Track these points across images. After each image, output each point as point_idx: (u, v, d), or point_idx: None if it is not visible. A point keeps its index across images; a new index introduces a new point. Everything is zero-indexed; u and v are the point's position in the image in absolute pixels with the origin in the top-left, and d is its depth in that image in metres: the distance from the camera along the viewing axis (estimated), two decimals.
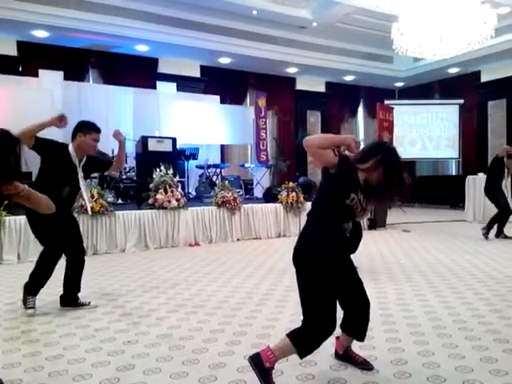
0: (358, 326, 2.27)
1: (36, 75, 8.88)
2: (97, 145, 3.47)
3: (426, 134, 13.08)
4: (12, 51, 9.06)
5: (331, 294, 2.07)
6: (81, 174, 3.42)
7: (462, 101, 12.71)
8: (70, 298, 3.50)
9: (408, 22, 7.73)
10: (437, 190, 12.76)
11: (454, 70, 12.17)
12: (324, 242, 2.05)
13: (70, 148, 3.38)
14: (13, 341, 2.79)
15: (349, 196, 2.04)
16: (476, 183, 8.92)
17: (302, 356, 2.09)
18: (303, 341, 2.06)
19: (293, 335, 2.07)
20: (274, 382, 2.05)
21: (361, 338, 2.28)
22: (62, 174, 3.34)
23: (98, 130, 3.44)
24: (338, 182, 2.05)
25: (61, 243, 3.39)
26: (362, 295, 2.23)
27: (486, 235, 6.54)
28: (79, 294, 3.55)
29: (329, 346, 2.52)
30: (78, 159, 3.40)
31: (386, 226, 8.45)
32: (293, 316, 3.06)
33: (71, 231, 3.50)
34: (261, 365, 2.04)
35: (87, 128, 3.40)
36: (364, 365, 2.30)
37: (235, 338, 2.79)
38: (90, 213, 3.55)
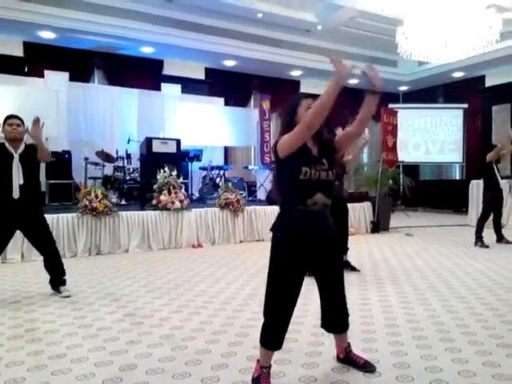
0: (335, 321, 2.28)
1: (42, 76, 8.92)
2: (16, 127, 3.70)
3: (430, 137, 13.07)
4: (18, 52, 9.13)
5: (287, 277, 2.06)
6: (15, 162, 3.69)
7: (466, 105, 12.69)
8: (55, 281, 3.94)
9: (413, 25, 7.74)
10: (440, 195, 12.73)
11: (458, 74, 12.16)
12: (286, 221, 2.09)
13: (6, 143, 3.73)
14: (16, 339, 2.81)
15: (301, 171, 2.03)
16: (480, 188, 8.82)
17: (261, 343, 2.13)
18: (262, 326, 2.15)
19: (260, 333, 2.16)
20: None
21: (341, 330, 2.31)
22: (2, 167, 3.67)
23: (11, 117, 3.76)
24: (287, 162, 2.05)
25: None
26: (339, 290, 2.22)
27: (482, 245, 6.31)
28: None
29: (331, 348, 2.52)
30: (12, 148, 3.70)
31: (389, 229, 8.44)
32: (295, 318, 3.05)
33: (33, 230, 3.87)
34: (252, 378, 2.15)
35: (4, 119, 3.76)
36: (366, 367, 2.30)
37: (238, 339, 2.79)
38: (15, 197, 3.65)
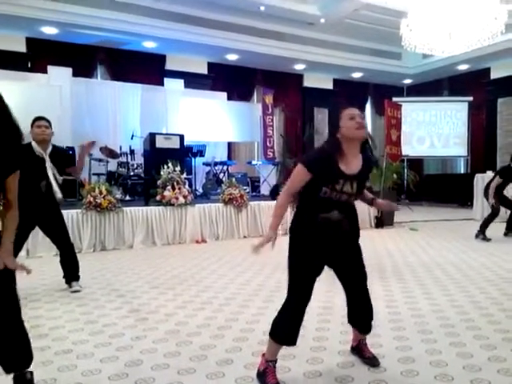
0: (358, 318, 2.29)
1: (45, 72, 8.93)
2: (45, 129, 3.74)
3: (435, 131, 12.98)
4: (21, 48, 9.15)
5: (305, 270, 2.07)
6: (48, 164, 3.75)
7: (471, 98, 12.59)
8: (70, 276, 3.96)
9: (417, 17, 7.67)
10: (445, 189, 12.67)
11: (463, 67, 12.06)
12: (302, 223, 2.11)
13: (33, 143, 3.74)
14: None
15: (321, 189, 2.05)
16: (484, 181, 8.79)
17: (272, 337, 2.10)
18: (275, 319, 2.13)
19: (271, 327, 2.15)
20: (273, 379, 2.07)
21: (363, 330, 2.31)
22: (33, 169, 3.67)
23: (39, 118, 3.79)
24: (312, 181, 2.06)
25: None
26: (360, 289, 2.22)
27: (484, 238, 6.33)
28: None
29: (335, 344, 2.53)
30: (42, 150, 3.74)
31: (393, 224, 8.42)
32: None
33: (53, 226, 3.90)
34: (258, 372, 2.17)
35: (32, 121, 3.78)
36: (370, 360, 2.31)
37: (242, 334, 2.80)
38: (59, 197, 3.79)
